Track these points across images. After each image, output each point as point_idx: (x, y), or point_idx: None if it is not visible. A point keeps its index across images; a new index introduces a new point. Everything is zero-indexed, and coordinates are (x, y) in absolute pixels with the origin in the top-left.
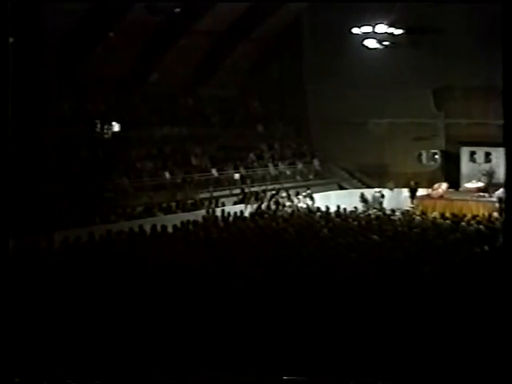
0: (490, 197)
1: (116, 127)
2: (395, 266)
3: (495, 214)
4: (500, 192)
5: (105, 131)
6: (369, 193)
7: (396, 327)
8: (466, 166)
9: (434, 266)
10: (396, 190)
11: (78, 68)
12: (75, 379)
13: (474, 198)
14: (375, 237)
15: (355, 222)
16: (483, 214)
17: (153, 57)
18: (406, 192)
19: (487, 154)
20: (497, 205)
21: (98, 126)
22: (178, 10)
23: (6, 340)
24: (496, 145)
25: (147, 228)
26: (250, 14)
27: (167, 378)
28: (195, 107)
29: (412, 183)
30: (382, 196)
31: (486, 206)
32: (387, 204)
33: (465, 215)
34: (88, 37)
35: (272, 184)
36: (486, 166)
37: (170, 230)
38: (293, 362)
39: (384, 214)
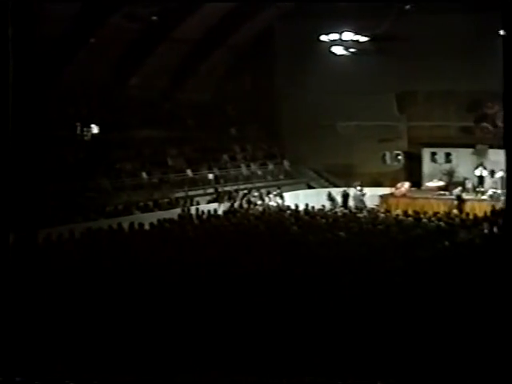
0: (450, 195)
1: (95, 129)
2: (361, 261)
3: (454, 211)
4: (458, 190)
5: (84, 133)
6: (336, 192)
7: (363, 320)
8: (427, 166)
9: (397, 260)
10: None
11: (61, 72)
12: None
13: (435, 196)
14: (342, 233)
15: (323, 220)
16: (443, 211)
17: (132, 62)
18: (371, 191)
19: (447, 155)
20: (456, 202)
21: (79, 128)
22: (154, 17)
23: (7, 339)
24: (456, 146)
25: (125, 226)
26: (224, 22)
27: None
28: (172, 111)
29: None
30: (363, 195)
31: (446, 204)
32: (353, 202)
33: (426, 212)
34: (70, 42)
35: (244, 184)
36: (447, 166)
37: (147, 227)
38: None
39: (350, 211)
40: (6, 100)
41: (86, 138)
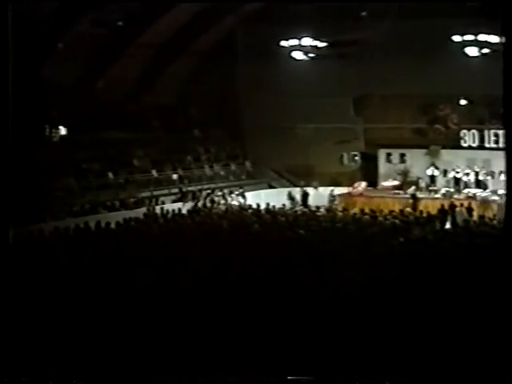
0: (405, 193)
1: (63, 131)
2: (320, 258)
3: (408, 209)
4: (412, 189)
5: (53, 134)
6: (296, 192)
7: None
8: (383, 166)
9: (354, 256)
10: (320, 188)
11: (31, 75)
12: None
13: (390, 195)
14: (301, 231)
15: (283, 218)
16: (398, 210)
17: (99, 66)
18: (329, 190)
19: (402, 155)
20: (410, 201)
21: (47, 129)
22: (120, 23)
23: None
24: (410, 147)
25: (92, 225)
26: (188, 27)
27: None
28: (138, 113)
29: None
30: (333, 196)
31: (401, 202)
32: (312, 201)
33: (382, 211)
34: (38, 47)
35: (208, 184)
36: (401, 166)
37: (113, 226)
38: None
39: (309, 210)
40: (6, 100)
41: (54, 139)
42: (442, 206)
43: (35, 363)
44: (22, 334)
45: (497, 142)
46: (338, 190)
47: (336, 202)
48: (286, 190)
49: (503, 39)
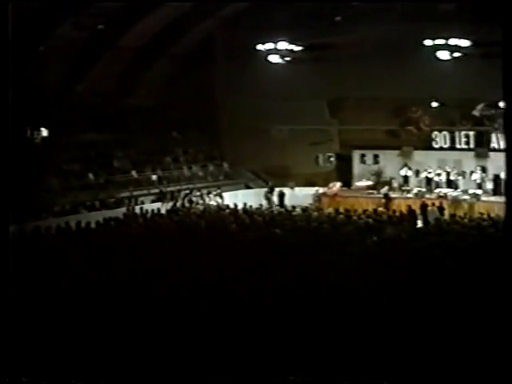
0: (378, 193)
1: (45, 132)
2: (295, 256)
3: (381, 209)
4: (385, 189)
5: (35, 136)
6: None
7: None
8: (357, 166)
9: (329, 254)
10: (296, 188)
11: (13, 78)
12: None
13: (364, 195)
14: (278, 230)
15: (260, 218)
16: (372, 209)
17: (79, 69)
18: (304, 190)
19: (375, 156)
20: (383, 200)
21: (29, 131)
22: (101, 26)
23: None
24: (383, 148)
25: (73, 224)
26: (167, 31)
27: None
28: (118, 115)
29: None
30: (318, 197)
31: (375, 202)
32: (288, 201)
33: (356, 210)
34: (20, 50)
35: (186, 184)
36: (375, 167)
37: (93, 225)
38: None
39: (286, 210)
40: (6, 100)
41: (36, 140)
42: (414, 205)
43: (36, 363)
44: (23, 334)
45: (467, 143)
46: (314, 190)
47: (314, 202)
48: (262, 191)
49: (503, 39)
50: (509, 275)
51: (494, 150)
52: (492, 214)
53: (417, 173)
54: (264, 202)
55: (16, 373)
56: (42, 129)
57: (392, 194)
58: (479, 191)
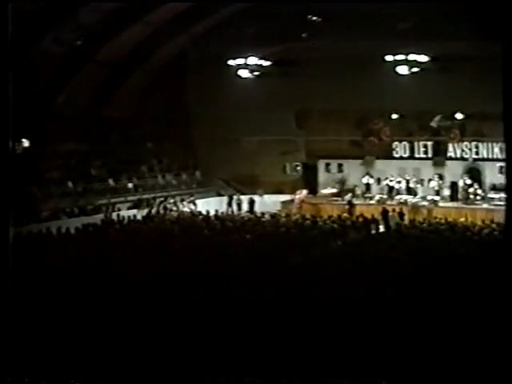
0: (342, 200)
1: (26, 143)
2: (265, 259)
3: (345, 215)
4: (349, 196)
5: (16, 147)
6: (243, 199)
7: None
8: (322, 175)
9: (296, 258)
10: (265, 196)
11: None
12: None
13: (329, 202)
14: (248, 235)
15: (231, 224)
16: (336, 215)
17: (59, 82)
18: (273, 197)
19: (339, 165)
20: (347, 207)
21: (11, 142)
22: (79, 42)
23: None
24: (347, 157)
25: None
26: (143, 46)
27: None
28: (96, 126)
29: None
30: (297, 201)
31: (339, 208)
32: (258, 208)
33: (321, 216)
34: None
35: (161, 192)
36: (339, 175)
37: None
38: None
39: (255, 216)
40: (6, 100)
41: (17, 151)
42: (376, 211)
43: (38, 363)
44: (24, 334)
45: (425, 152)
46: (282, 198)
47: (279, 208)
48: (234, 198)
49: (502, 42)
50: (509, 277)
51: (451, 158)
52: (449, 219)
53: (378, 181)
54: (235, 209)
55: (18, 373)
56: (24, 140)
57: (355, 201)
58: (437, 197)
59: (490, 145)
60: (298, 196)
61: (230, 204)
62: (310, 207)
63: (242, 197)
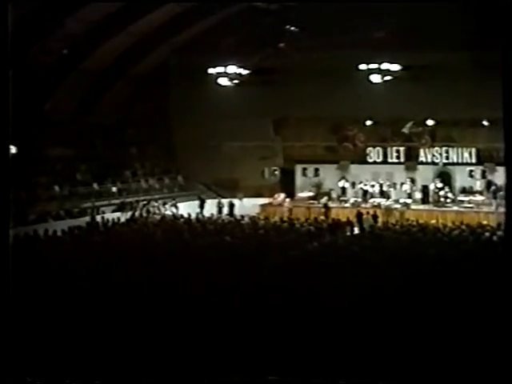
0: (318, 203)
1: (13, 149)
2: (244, 261)
3: (322, 217)
4: (325, 199)
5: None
6: (223, 202)
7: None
8: (299, 179)
9: (274, 259)
10: (244, 199)
11: None
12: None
13: (306, 205)
14: (227, 238)
15: (211, 226)
16: (313, 218)
17: (46, 89)
18: (252, 201)
19: (316, 170)
20: (323, 210)
21: None
22: (65, 51)
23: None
24: (323, 162)
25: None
26: (126, 55)
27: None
28: (81, 132)
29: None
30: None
31: (315, 211)
32: (237, 211)
33: (299, 219)
34: None
35: (144, 196)
36: (315, 179)
37: (59, 233)
38: None
39: (235, 219)
40: (6, 101)
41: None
42: (351, 214)
43: (40, 363)
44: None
45: (398, 157)
46: (261, 201)
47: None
48: (214, 201)
49: (501, 45)
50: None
51: (422, 163)
52: (421, 221)
53: (353, 184)
54: (215, 212)
55: (20, 373)
56: (11, 146)
57: (331, 204)
58: (409, 200)
59: (459, 150)
60: (279, 199)
61: (201, 207)
62: (288, 210)
63: (223, 200)
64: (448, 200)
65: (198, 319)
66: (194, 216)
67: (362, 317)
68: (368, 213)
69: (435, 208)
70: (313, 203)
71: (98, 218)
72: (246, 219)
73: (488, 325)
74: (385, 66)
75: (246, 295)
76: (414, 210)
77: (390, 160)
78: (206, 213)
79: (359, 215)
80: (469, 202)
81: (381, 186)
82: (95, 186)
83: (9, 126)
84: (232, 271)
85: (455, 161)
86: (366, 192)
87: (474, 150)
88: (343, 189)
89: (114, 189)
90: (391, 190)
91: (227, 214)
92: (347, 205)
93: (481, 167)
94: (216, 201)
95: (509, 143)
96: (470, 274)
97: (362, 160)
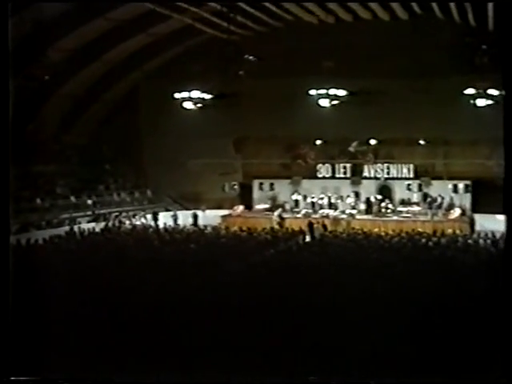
0: (273, 214)
1: None
2: (207, 267)
3: (277, 227)
4: (279, 211)
5: None
6: (187, 214)
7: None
8: (256, 193)
9: (235, 265)
10: (207, 211)
11: None
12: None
13: (263, 216)
14: (192, 245)
15: (178, 235)
16: (269, 227)
17: (29, 112)
18: (214, 212)
19: (271, 184)
20: (278, 219)
21: None
22: (47, 77)
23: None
24: (278, 177)
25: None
26: (101, 81)
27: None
28: (61, 150)
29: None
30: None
31: (271, 221)
32: (201, 221)
33: (256, 228)
34: None
35: (116, 208)
36: (271, 193)
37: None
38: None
39: (199, 229)
40: (6, 101)
41: None
42: (303, 223)
43: (39, 363)
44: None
45: (345, 173)
46: (222, 212)
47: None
48: (180, 213)
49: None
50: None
51: (366, 178)
52: (365, 229)
53: (305, 197)
54: (181, 222)
55: (20, 372)
56: None
57: (285, 215)
58: (354, 211)
59: (399, 166)
60: (235, 211)
61: (155, 219)
62: (246, 220)
63: (187, 212)
64: (389, 211)
65: (162, 322)
66: (161, 226)
67: (312, 313)
68: (318, 222)
69: (377, 218)
70: (268, 214)
71: (75, 227)
72: (209, 229)
73: (425, 322)
74: (332, 91)
75: (211, 296)
76: (358, 219)
77: (337, 175)
78: (173, 223)
79: (310, 225)
80: (407, 212)
81: (329, 198)
82: (73, 199)
83: (8, 130)
84: (197, 275)
85: (395, 176)
86: (315, 204)
87: (411, 166)
88: (296, 201)
89: (89, 201)
90: (338, 202)
91: (191, 224)
92: (299, 216)
93: (417, 181)
94: (181, 212)
95: (508, 143)
96: (408, 274)
97: (313, 175)
